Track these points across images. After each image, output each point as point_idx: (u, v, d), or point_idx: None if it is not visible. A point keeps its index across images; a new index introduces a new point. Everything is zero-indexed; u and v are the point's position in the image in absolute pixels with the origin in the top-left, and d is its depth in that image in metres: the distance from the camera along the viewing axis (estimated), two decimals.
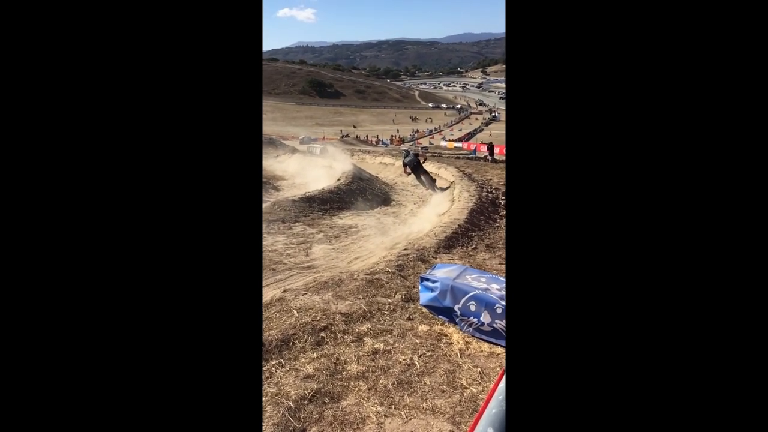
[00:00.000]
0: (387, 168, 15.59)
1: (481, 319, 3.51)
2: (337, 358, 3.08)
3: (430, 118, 61.01)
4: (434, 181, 10.67)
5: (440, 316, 3.80)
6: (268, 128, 36.27)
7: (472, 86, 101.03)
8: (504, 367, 1.56)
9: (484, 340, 3.48)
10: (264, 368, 2.90)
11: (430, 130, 48.95)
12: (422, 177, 10.53)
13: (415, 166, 10.48)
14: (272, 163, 15.25)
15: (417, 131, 46.72)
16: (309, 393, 2.65)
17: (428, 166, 11.25)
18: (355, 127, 52.24)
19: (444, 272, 4.05)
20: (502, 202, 8.94)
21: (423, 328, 3.62)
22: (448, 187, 10.29)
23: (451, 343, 3.43)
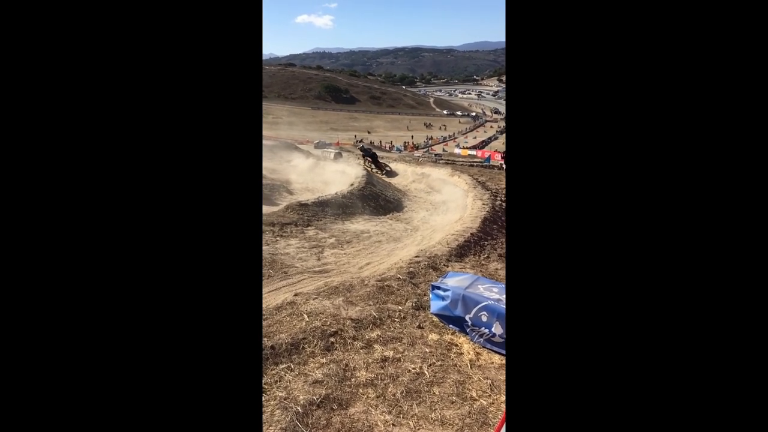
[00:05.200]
0: (400, 174, 15.60)
1: (493, 329, 3.47)
2: (347, 364, 3.07)
3: (444, 125, 60.97)
4: (385, 167, 15.45)
5: (451, 326, 3.77)
6: (284, 132, 36.74)
7: (488, 94, 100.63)
8: None
9: (495, 352, 3.43)
10: (273, 371, 2.91)
11: (445, 137, 48.89)
12: (378, 163, 15.42)
13: (371, 156, 15.82)
14: (286, 166, 15.42)
15: (431, 138, 46.72)
16: (317, 398, 2.65)
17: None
18: (369, 132, 52.53)
19: (455, 281, 4.03)
20: None
21: (433, 337, 3.59)
22: (390, 170, 15.34)
23: (462, 354, 3.39)
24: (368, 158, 15.54)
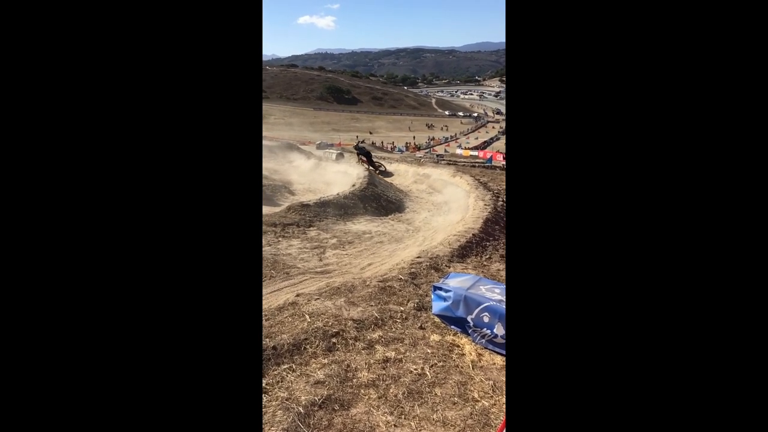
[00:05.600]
0: (402, 175, 15.60)
1: (495, 330, 3.46)
2: (348, 365, 3.07)
3: (446, 126, 60.93)
4: (379, 166, 15.92)
5: (453, 327, 3.76)
6: (286, 133, 36.78)
7: (490, 95, 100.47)
8: None
9: (497, 353, 3.43)
10: (275, 372, 2.91)
11: (446, 138, 48.86)
12: (372, 162, 15.97)
13: (366, 155, 16.15)
14: (288, 167, 15.44)
15: (433, 138, 46.69)
16: (319, 399, 2.65)
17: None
18: (371, 133, 52.54)
19: (457, 282, 4.02)
20: None
21: (435, 337, 3.58)
22: (384, 170, 15.91)
23: (463, 355, 3.39)
24: (363, 157, 16.10)
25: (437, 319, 3.88)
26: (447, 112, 75.66)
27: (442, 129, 58.50)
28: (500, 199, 9.79)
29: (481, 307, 3.56)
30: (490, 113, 74.17)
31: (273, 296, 4.45)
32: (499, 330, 3.44)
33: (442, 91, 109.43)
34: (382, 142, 40.72)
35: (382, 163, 16.52)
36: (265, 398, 2.63)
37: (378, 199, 10.82)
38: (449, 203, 10.75)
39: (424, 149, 37.00)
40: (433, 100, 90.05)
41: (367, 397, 2.75)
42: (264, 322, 3.58)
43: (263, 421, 2.43)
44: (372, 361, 3.14)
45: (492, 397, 2.85)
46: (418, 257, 5.63)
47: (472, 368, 3.20)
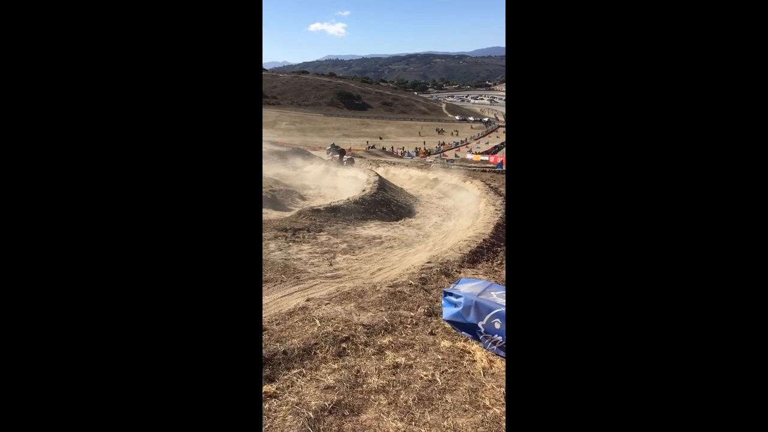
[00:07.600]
0: (412, 179, 15.61)
1: (506, 337, 3.42)
2: (358, 370, 3.06)
3: (456, 131, 60.80)
4: (349, 161, 18.09)
5: (463, 333, 3.73)
6: (297, 138, 37.14)
7: (500, 99, 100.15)
8: None
9: None
10: (285, 377, 2.92)
11: (457, 143, 48.75)
12: (345, 159, 18.38)
13: (339, 152, 19.41)
14: (299, 172, 15.57)
15: (443, 144, 46.61)
16: (329, 404, 2.64)
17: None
18: (381, 138, 52.68)
19: (468, 287, 3.99)
20: None
21: (445, 343, 3.55)
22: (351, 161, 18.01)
23: (474, 361, 3.35)
24: (336, 154, 19.18)
25: (448, 325, 3.86)
26: (457, 117, 75.57)
27: (452, 134, 58.42)
28: None
29: (492, 313, 3.52)
30: (500, 118, 73.79)
31: (284, 300, 4.47)
32: None
33: (452, 96, 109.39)
34: (392, 147, 40.80)
35: (353, 159, 18.79)
36: (275, 402, 2.64)
37: (388, 204, 10.83)
38: (459, 208, 10.71)
39: (435, 154, 37.00)
40: (444, 105, 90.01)
41: (377, 402, 2.74)
42: (274, 327, 3.60)
43: (274, 426, 2.44)
44: (382, 367, 3.13)
45: (503, 404, 2.81)
46: (428, 262, 5.61)
47: (483, 375, 3.16)
